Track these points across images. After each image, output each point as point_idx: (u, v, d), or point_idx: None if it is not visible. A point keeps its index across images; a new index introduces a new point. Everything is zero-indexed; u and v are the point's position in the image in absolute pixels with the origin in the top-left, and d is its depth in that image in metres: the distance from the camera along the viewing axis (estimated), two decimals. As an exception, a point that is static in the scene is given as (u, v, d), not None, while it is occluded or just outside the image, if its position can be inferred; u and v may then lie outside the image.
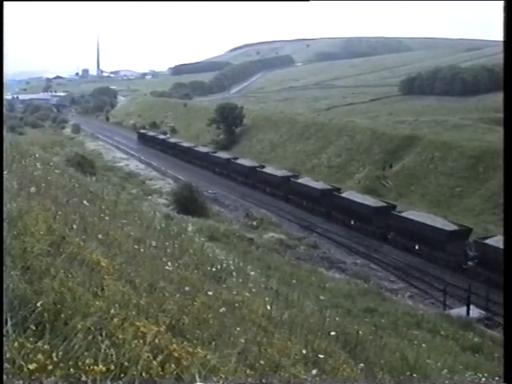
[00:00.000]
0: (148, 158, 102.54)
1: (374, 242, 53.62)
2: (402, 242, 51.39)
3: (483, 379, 15.93)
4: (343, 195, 61.28)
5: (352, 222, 57.80)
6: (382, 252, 51.03)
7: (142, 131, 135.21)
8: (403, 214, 53.19)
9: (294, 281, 26.75)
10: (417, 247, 49.84)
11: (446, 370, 14.94)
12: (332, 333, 10.96)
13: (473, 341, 28.61)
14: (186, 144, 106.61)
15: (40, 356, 4.18)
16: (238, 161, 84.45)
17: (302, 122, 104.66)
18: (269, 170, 76.78)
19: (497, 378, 15.68)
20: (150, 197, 64.27)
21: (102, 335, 4.78)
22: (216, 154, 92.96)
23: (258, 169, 77.47)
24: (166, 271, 8.96)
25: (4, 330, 4.41)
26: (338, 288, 35.80)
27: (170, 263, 9.67)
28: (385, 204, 57.99)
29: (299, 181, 69.23)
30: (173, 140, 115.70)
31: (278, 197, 70.30)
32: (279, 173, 74.64)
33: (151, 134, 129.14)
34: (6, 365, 4.09)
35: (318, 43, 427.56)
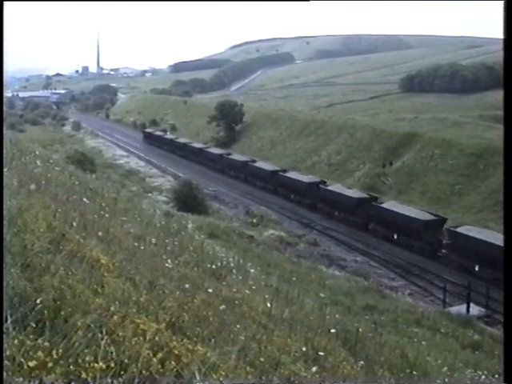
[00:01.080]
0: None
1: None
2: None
3: (483, 377, 15.97)
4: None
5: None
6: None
7: (148, 130, 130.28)
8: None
9: (294, 278, 26.75)
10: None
11: (445, 368, 14.94)
12: (332, 330, 10.97)
13: (473, 338, 28.63)
14: (197, 145, 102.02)
15: (40, 353, 4.18)
16: (257, 164, 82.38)
17: (301, 120, 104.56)
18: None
19: (497, 376, 15.70)
20: (150, 194, 64.25)
21: (102, 332, 4.78)
22: (231, 157, 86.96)
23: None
24: (165, 268, 8.96)
25: (4, 328, 4.41)
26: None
27: (169, 260, 9.67)
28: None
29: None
30: (182, 140, 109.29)
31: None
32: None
33: (158, 133, 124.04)
34: (6, 362, 4.09)
35: (318, 41, 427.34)
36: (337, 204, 60.11)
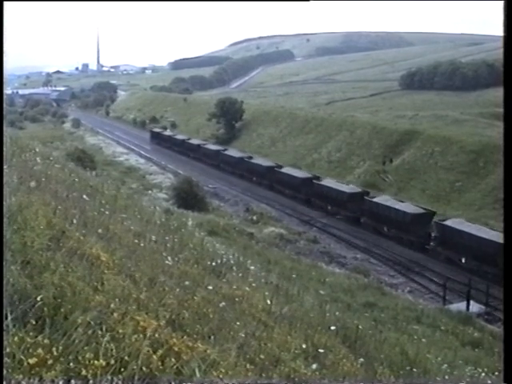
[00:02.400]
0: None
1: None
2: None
3: (483, 374, 15.95)
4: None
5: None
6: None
7: (156, 130, 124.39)
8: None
9: (293, 275, 26.76)
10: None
11: (445, 365, 14.95)
12: (332, 327, 10.97)
13: (473, 336, 28.65)
14: (213, 147, 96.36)
15: (40, 350, 4.18)
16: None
17: (302, 117, 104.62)
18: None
19: (496, 373, 15.71)
20: (150, 191, 64.30)
21: (102, 330, 4.78)
22: (253, 161, 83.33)
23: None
24: (165, 266, 8.96)
25: (4, 325, 4.41)
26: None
27: (169, 258, 9.67)
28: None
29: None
30: (196, 142, 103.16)
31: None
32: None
33: (168, 133, 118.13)
34: (6, 359, 4.09)
35: (318, 38, 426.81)
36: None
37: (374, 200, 57.19)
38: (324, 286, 32.31)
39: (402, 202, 56.88)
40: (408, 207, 53.95)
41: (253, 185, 76.87)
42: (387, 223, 53.93)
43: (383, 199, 57.10)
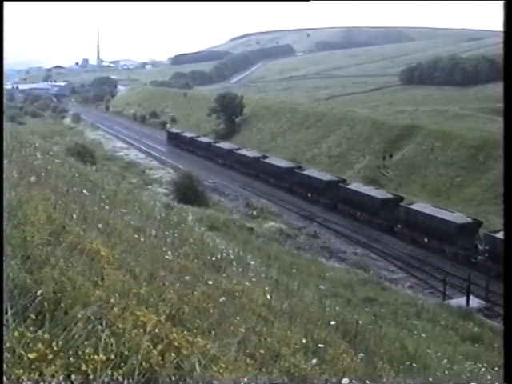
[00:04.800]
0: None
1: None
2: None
3: (483, 369, 15.96)
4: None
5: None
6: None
7: (174, 130, 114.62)
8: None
9: (294, 270, 26.77)
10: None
11: (445, 360, 14.96)
12: (332, 322, 10.98)
13: (472, 331, 28.67)
14: (248, 153, 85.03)
15: (40, 345, 4.18)
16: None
17: (302, 112, 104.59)
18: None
19: (496, 368, 15.71)
20: (150, 186, 64.30)
21: (102, 324, 4.78)
22: (306, 173, 77.71)
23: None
24: (166, 260, 8.96)
25: (4, 320, 4.40)
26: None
27: (170, 252, 9.66)
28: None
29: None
30: (226, 146, 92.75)
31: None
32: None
33: (188, 134, 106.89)
34: (6, 354, 4.09)
35: (318, 33, 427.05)
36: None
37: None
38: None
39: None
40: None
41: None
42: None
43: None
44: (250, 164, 76.13)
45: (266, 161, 74.75)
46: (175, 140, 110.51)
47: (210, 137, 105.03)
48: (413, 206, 52.73)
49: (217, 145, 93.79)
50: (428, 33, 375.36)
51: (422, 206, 52.35)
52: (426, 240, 49.52)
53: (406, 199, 56.76)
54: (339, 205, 60.93)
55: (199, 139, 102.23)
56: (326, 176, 67.12)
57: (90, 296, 5.17)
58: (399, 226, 52.82)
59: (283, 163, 75.47)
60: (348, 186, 61.51)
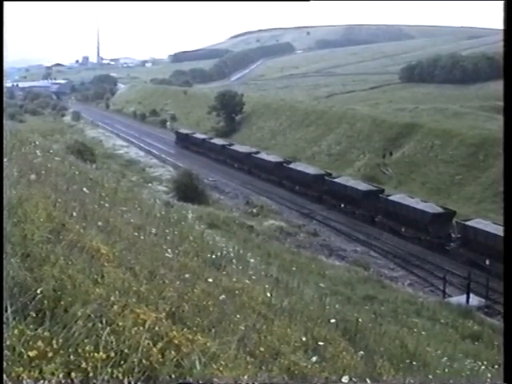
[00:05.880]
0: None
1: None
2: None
3: (483, 367, 15.94)
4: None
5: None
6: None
7: (184, 131, 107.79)
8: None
9: (293, 268, 26.79)
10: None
11: (445, 358, 14.95)
12: (332, 320, 10.98)
13: (472, 329, 28.69)
14: (270, 158, 77.45)
15: (40, 343, 4.18)
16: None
17: (302, 110, 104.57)
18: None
19: (496, 366, 15.71)
20: (150, 184, 64.31)
21: (102, 322, 4.78)
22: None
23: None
24: (165, 258, 8.95)
25: (4, 317, 4.40)
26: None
27: (169, 250, 9.66)
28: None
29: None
30: (243, 149, 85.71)
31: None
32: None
33: (200, 136, 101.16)
34: (6, 352, 4.08)
35: (318, 31, 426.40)
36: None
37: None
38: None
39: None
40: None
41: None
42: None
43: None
44: (273, 170, 72.22)
45: (291, 166, 71.62)
46: (185, 141, 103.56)
47: (216, 136, 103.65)
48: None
49: (232, 147, 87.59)
50: (428, 31, 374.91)
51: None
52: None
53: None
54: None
55: (212, 141, 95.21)
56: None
57: (90, 294, 5.17)
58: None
59: (310, 169, 70.00)
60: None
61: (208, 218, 42.33)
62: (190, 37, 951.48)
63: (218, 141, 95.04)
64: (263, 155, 78.49)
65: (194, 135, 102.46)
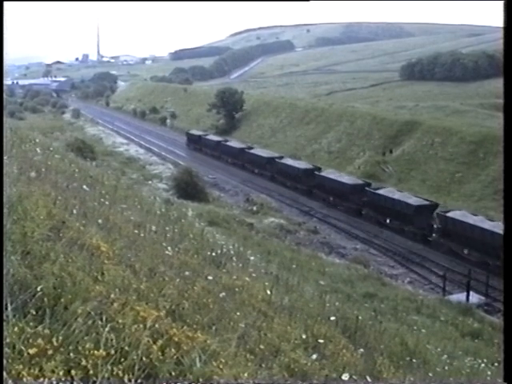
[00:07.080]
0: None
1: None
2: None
3: (482, 365, 15.95)
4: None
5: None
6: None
7: (196, 132, 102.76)
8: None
9: (293, 266, 26.79)
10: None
11: (445, 356, 14.95)
12: (332, 318, 10.97)
13: (472, 326, 28.68)
14: (296, 163, 72.30)
15: (40, 341, 4.18)
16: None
17: (302, 107, 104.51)
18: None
19: (496, 364, 15.71)
20: (150, 182, 64.27)
21: (102, 320, 4.78)
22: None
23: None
24: (166, 256, 8.95)
25: (4, 315, 4.40)
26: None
27: (170, 248, 9.64)
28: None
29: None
30: (263, 153, 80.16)
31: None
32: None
33: (216, 138, 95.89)
34: (6, 349, 4.09)
35: (318, 28, 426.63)
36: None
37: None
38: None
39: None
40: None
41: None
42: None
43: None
44: (301, 178, 66.73)
45: (323, 174, 65.12)
46: (197, 143, 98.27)
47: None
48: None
49: (251, 151, 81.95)
50: (428, 28, 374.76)
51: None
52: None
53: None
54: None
55: (228, 144, 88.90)
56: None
57: (90, 291, 5.17)
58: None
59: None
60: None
61: (208, 215, 42.34)
62: (190, 34, 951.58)
63: (236, 144, 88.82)
64: (288, 160, 73.41)
65: (207, 137, 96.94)
